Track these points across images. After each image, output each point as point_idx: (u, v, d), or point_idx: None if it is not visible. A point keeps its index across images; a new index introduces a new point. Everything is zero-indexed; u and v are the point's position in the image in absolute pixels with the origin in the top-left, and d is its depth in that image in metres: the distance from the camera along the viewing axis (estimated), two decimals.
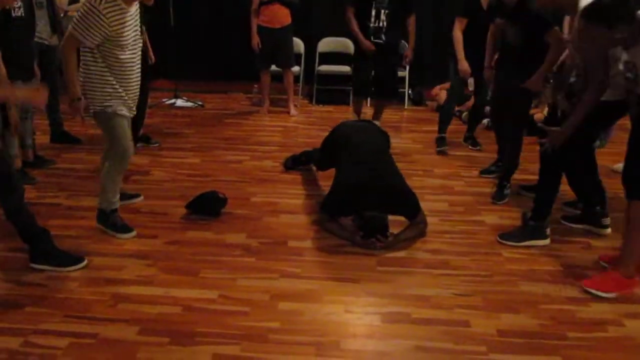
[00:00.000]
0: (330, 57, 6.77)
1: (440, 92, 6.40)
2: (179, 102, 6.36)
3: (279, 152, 4.88)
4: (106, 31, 2.88)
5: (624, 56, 2.72)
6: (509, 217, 3.64)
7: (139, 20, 3.15)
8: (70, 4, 6.03)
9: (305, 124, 5.89)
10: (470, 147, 5.10)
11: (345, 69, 6.67)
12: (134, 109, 3.20)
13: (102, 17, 2.85)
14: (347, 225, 3.38)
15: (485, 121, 5.84)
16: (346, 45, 6.78)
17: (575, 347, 2.41)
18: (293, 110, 6.16)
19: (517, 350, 2.38)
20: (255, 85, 6.71)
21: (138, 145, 4.52)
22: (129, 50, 3.03)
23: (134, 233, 3.27)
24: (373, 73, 5.19)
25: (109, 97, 3.03)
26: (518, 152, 3.95)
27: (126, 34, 2.99)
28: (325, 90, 6.72)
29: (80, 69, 3.04)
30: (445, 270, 3.02)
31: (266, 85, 6.13)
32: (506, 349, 2.38)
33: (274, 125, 5.76)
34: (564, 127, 3.04)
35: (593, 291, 2.79)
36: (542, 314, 2.63)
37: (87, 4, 2.85)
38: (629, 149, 2.75)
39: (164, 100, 6.34)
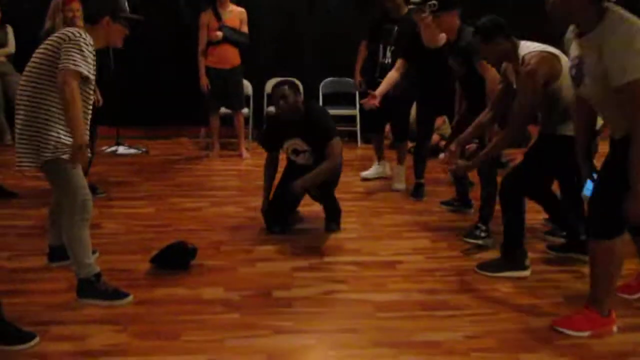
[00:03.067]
0: None
1: None
2: (121, 150, 5.93)
3: (240, 196, 4.58)
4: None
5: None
6: (495, 250, 3.50)
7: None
8: None
9: (260, 166, 5.54)
10: (412, 197, 4.60)
11: None
12: (88, 154, 2.84)
13: (90, 47, 2.64)
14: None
15: (441, 155, 5.80)
16: None
17: None
18: (245, 153, 5.89)
19: None
20: (202, 129, 6.42)
21: None
22: (90, 94, 2.76)
23: (131, 297, 2.85)
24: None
25: (62, 144, 2.65)
26: (492, 192, 3.60)
27: (93, 73, 2.72)
28: None
29: (27, 114, 2.65)
30: (448, 312, 2.81)
31: (216, 128, 5.85)
32: None
33: (227, 169, 5.46)
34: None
35: (565, 330, 2.59)
36: (561, 351, 2.47)
37: (75, 38, 2.59)
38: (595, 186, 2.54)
39: (104, 148, 5.89)
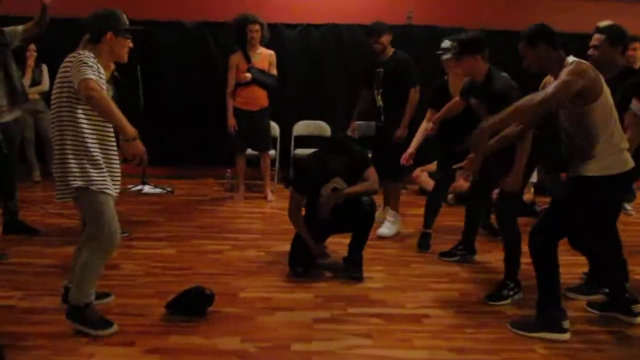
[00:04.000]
0: (306, 141, 6.53)
1: (422, 175, 6.21)
2: (147, 189, 5.91)
3: (262, 240, 4.46)
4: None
5: None
6: (530, 306, 3.27)
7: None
8: (31, 86, 5.68)
9: (285, 209, 5.48)
10: (417, 248, 4.36)
11: None
12: (119, 187, 2.81)
13: (94, 59, 2.66)
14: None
15: (449, 196, 5.61)
16: (322, 128, 6.61)
17: None
18: (270, 196, 5.80)
19: None
20: (228, 170, 6.36)
21: None
22: None
23: (114, 328, 2.79)
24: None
25: (93, 172, 2.65)
26: (513, 240, 3.42)
27: (103, 81, 2.71)
28: None
29: (58, 141, 2.67)
30: None
31: (242, 169, 5.79)
32: None
33: (251, 212, 5.36)
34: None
35: None
36: None
37: (77, 58, 2.62)
38: None
39: (129, 186, 5.88)
